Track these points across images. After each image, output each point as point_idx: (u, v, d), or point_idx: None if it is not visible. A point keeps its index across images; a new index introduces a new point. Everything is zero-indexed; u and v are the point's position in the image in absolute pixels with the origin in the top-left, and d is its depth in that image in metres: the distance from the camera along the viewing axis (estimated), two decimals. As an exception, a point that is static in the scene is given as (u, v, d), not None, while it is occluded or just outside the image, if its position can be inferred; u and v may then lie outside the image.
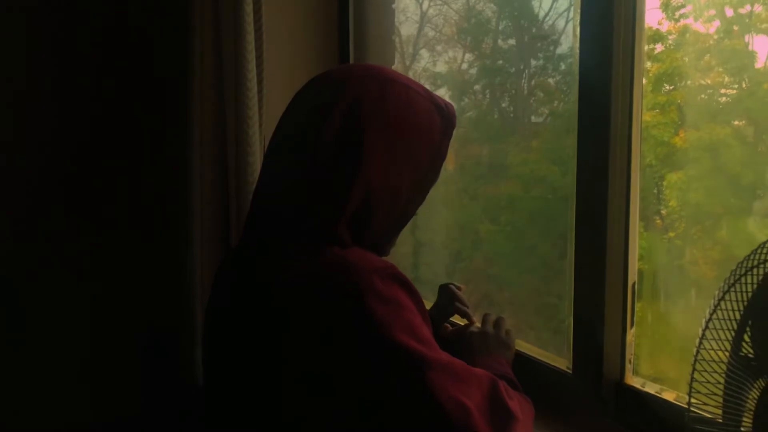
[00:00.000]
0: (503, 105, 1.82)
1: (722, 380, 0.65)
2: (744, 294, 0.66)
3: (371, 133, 0.82)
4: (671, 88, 1.61)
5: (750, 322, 0.66)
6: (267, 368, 0.81)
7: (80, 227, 1.39)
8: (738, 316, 0.66)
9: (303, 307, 0.77)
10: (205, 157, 1.24)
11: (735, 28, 1.47)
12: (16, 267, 1.37)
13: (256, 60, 1.21)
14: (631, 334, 0.99)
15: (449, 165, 1.95)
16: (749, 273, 0.66)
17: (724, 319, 0.67)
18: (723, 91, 1.57)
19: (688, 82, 1.57)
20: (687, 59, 1.59)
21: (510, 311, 1.69)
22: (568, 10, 1.70)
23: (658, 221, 1.56)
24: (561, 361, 1.11)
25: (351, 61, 1.67)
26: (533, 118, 1.84)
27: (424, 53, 2.00)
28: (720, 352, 0.67)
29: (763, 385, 0.64)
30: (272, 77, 1.32)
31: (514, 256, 1.75)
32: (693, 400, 0.67)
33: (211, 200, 1.24)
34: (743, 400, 0.65)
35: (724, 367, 0.66)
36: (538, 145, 1.78)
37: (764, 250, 0.66)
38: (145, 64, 1.40)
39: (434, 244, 1.92)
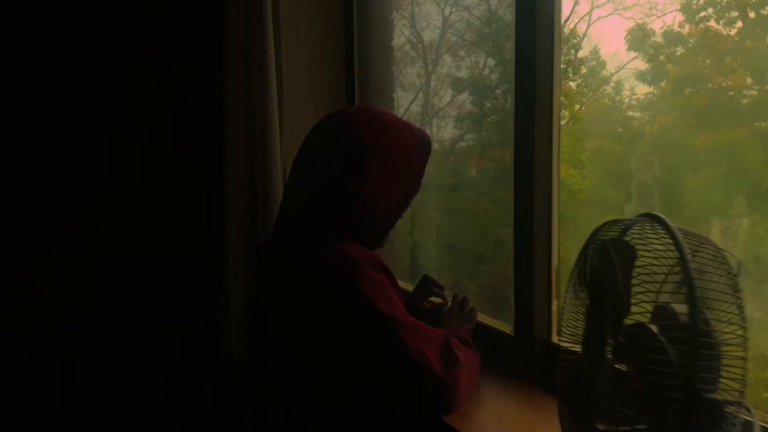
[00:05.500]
0: (525, 109, 1.84)
1: (578, 324, 0.89)
2: (583, 263, 0.86)
3: (369, 161, 1.13)
4: (691, 90, 1.61)
5: (586, 281, 0.86)
6: (281, 328, 1.12)
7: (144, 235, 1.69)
8: (577, 278, 0.88)
9: (312, 284, 1.07)
10: (238, 175, 1.44)
11: (758, 29, 1.46)
12: (68, 269, 1.53)
13: (277, 94, 1.46)
14: (555, 304, 1.27)
15: (472, 170, 1.98)
16: (587, 249, 0.85)
17: (574, 281, 0.89)
18: (745, 92, 1.56)
19: (709, 85, 1.56)
20: (708, 61, 1.58)
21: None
22: (589, 13, 1.71)
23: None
24: (507, 327, 1.38)
25: (356, 90, 1.99)
26: (554, 122, 1.85)
27: (447, 58, 2.03)
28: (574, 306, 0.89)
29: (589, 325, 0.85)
30: (291, 110, 1.61)
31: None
32: (561, 338, 0.92)
33: (243, 215, 1.42)
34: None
35: (576, 316, 0.89)
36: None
37: (610, 228, 0.84)
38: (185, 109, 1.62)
39: (456, 248, 1.95)
